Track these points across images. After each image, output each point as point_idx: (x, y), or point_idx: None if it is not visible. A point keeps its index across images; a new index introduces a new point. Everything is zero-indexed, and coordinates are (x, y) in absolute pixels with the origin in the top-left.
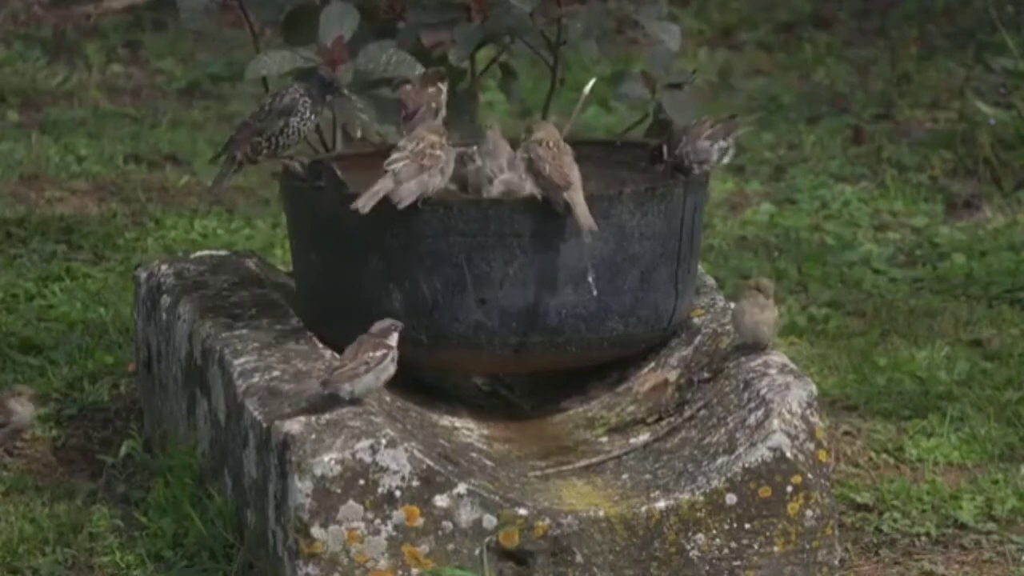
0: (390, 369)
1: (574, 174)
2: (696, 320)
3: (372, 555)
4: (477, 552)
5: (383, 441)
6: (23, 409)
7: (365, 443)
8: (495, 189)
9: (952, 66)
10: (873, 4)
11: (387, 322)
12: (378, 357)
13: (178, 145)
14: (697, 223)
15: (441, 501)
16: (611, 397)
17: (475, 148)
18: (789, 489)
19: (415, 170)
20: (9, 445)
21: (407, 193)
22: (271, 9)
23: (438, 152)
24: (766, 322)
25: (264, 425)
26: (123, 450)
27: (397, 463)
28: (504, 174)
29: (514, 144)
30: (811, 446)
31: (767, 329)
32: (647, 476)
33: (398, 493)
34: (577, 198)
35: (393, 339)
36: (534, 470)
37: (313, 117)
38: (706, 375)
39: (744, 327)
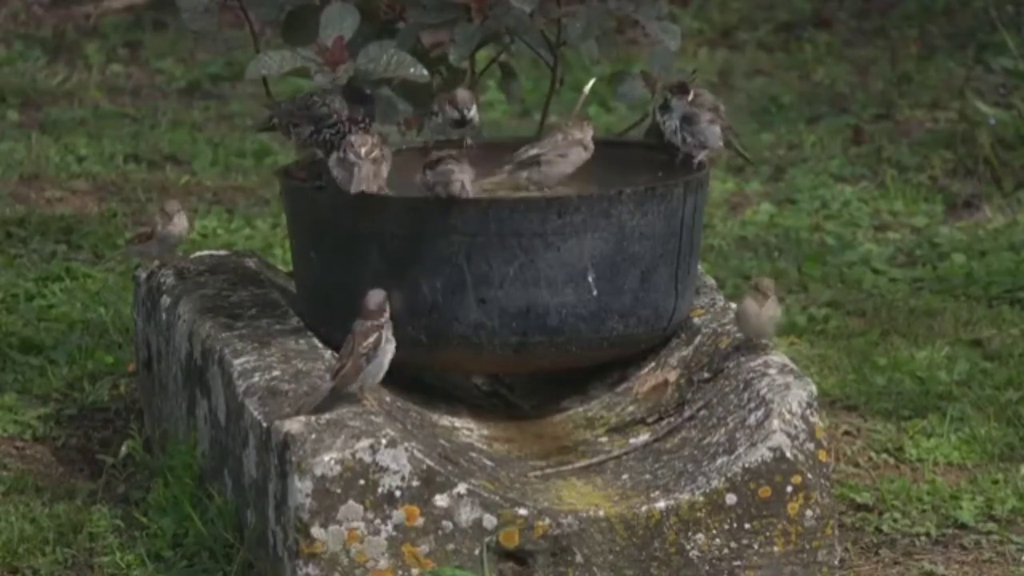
0: (388, 347)
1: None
2: (696, 320)
3: (372, 555)
4: (477, 552)
5: (383, 441)
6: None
7: (365, 443)
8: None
9: (952, 66)
10: (873, 4)
11: (379, 297)
12: (371, 344)
13: (178, 145)
14: (697, 223)
15: (441, 501)
16: (611, 397)
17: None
18: (789, 489)
19: (377, 159)
20: (168, 259)
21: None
22: (271, 9)
23: (381, 148)
24: (772, 319)
25: (264, 425)
26: (123, 450)
27: (397, 463)
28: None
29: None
30: (811, 446)
31: (772, 328)
32: (647, 476)
33: (398, 493)
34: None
35: (384, 313)
36: (534, 470)
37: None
38: (706, 375)
39: (749, 326)
